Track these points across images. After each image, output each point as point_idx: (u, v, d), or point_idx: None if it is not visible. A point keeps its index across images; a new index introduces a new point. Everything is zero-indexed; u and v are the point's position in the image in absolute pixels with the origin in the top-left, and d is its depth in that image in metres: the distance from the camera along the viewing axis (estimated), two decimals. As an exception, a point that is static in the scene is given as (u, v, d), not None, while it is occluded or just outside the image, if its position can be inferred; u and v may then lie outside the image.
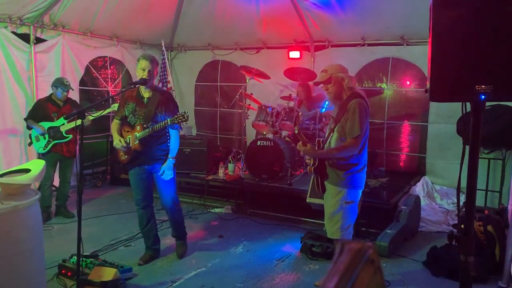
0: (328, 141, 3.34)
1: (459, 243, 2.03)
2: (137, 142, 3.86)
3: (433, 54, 1.92)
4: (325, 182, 3.37)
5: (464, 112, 2.11)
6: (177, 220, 4.32)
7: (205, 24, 7.69)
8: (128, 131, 3.95)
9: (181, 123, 3.79)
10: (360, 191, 3.38)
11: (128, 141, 3.92)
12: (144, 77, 3.77)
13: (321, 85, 3.35)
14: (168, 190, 4.08)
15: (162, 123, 3.75)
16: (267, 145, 5.74)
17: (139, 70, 3.81)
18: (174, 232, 4.40)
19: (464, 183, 2.13)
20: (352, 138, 3.16)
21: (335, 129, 3.26)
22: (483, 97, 1.87)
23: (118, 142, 3.88)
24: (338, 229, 3.32)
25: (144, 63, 3.78)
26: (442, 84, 1.95)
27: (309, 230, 4.75)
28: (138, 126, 3.87)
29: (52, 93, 5.36)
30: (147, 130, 3.79)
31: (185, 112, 3.68)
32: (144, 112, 3.87)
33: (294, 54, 7.27)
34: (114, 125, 4.03)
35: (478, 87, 1.85)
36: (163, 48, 7.19)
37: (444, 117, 6.24)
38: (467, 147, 2.11)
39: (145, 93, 3.92)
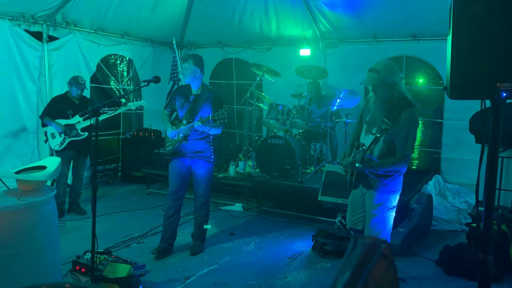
0: (371, 148, 3.15)
1: (478, 241, 2.02)
2: (182, 135, 4.13)
3: (454, 51, 1.91)
4: (368, 190, 3.25)
5: (482, 109, 2.09)
6: (202, 215, 4.40)
7: (215, 21, 7.68)
8: (176, 125, 4.26)
9: (222, 121, 4.03)
10: (399, 194, 3.29)
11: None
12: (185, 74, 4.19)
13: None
14: (204, 184, 4.29)
15: (205, 118, 3.99)
16: (278, 143, 5.72)
17: (183, 70, 4.27)
18: (195, 231, 4.45)
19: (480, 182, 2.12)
20: (404, 154, 3.07)
21: (382, 139, 3.09)
22: (504, 94, 1.85)
23: (171, 127, 4.20)
24: (381, 235, 3.24)
25: (185, 64, 4.22)
26: (462, 82, 1.94)
27: (321, 228, 4.74)
28: (185, 120, 4.18)
29: (67, 91, 5.42)
30: (191, 124, 4.06)
31: (226, 111, 3.94)
32: (191, 107, 4.18)
33: (305, 51, 7.23)
34: (164, 115, 4.39)
35: (499, 85, 1.83)
36: (174, 46, 7.20)
37: (459, 114, 6.17)
38: (484, 145, 2.09)
39: (194, 90, 4.22)
